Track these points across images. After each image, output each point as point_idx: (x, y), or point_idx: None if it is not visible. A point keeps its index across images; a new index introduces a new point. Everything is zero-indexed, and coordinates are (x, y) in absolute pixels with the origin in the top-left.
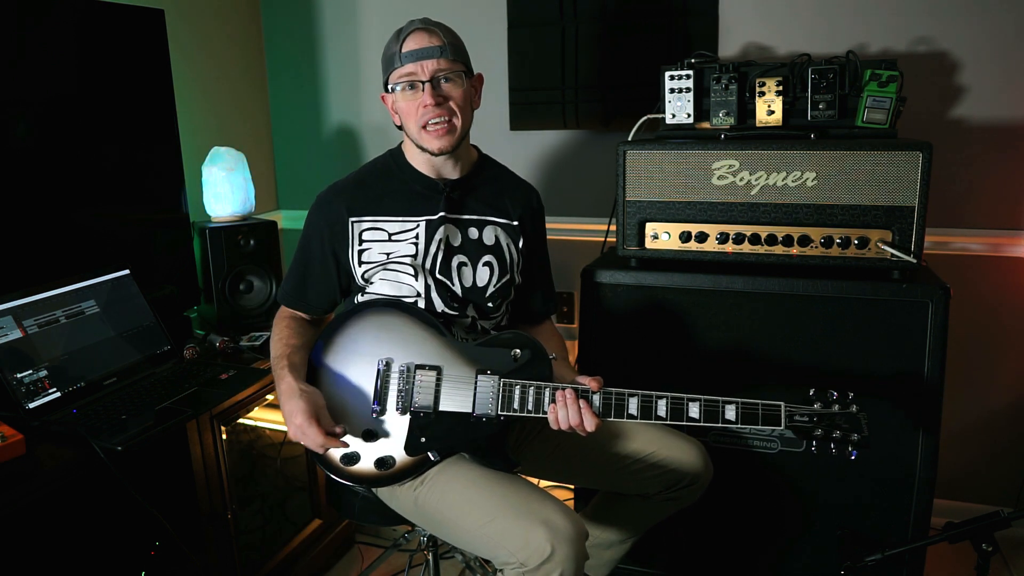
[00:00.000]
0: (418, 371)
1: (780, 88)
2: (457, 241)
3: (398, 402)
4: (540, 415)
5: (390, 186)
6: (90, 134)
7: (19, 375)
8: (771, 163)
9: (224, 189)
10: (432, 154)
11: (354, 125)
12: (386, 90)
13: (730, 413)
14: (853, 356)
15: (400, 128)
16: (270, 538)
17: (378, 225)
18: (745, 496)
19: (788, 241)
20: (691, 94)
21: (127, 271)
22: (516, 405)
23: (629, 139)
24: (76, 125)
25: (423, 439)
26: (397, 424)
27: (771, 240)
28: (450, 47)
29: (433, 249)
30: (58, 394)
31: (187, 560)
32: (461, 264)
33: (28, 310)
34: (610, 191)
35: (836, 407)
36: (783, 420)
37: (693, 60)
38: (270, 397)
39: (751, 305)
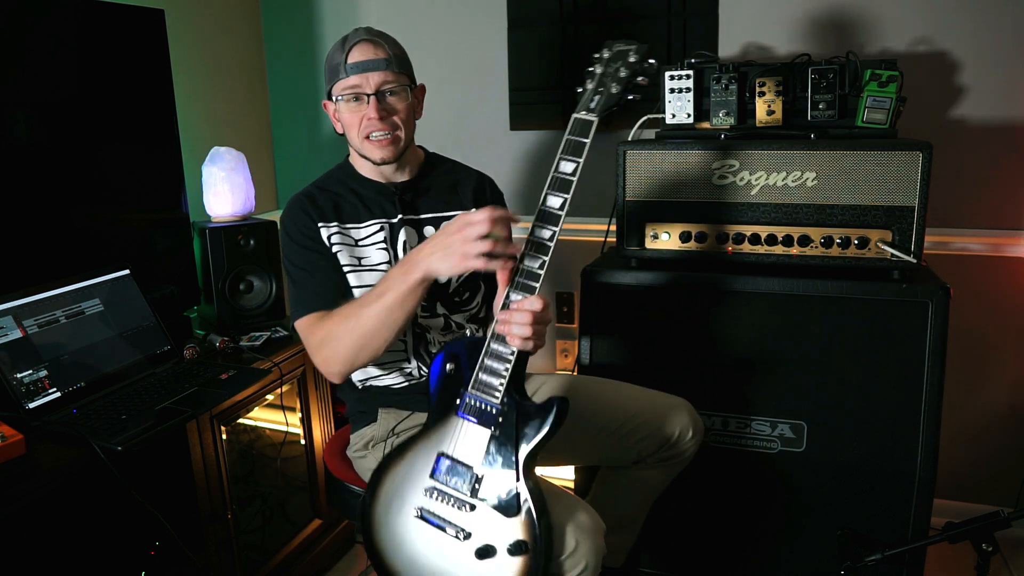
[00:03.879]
0: (436, 484)
1: (780, 88)
2: (415, 242)
3: (460, 512)
4: (512, 356)
5: (343, 194)
6: (90, 134)
7: (19, 375)
8: (771, 163)
9: (224, 189)
10: (374, 163)
11: None
12: (329, 99)
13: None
14: (853, 356)
15: (342, 136)
16: (270, 538)
17: (343, 231)
18: (745, 496)
19: (788, 241)
20: (691, 94)
21: (127, 271)
22: (495, 382)
23: (629, 139)
24: (76, 125)
25: (497, 494)
26: (483, 515)
27: (771, 240)
28: (395, 59)
29: (400, 254)
30: (58, 394)
31: (187, 560)
32: None
33: (28, 310)
34: (610, 191)
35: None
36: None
37: (693, 60)
38: (270, 397)
39: (751, 305)
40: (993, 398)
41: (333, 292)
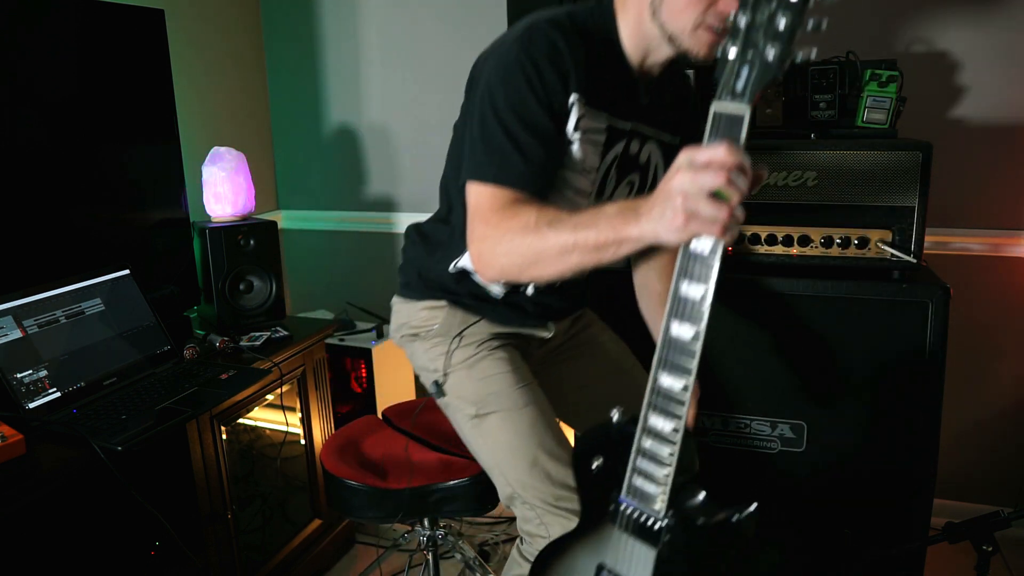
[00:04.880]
0: None
1: (780, 88)
2: (616, 156)
3: None
4: (673, 457)
5: (602, 63)
6: (90, 134)
7: (19, 375)
8: (771, 163)
9: (224, 189)
10: (689, 55)
11: (354, 125)
12: None
13: None
14: (853, 356)
15: None
16: (270, 538)
17: (589, 113)
18: (745, 496)
19: (788, 241)
20: None
21: (127, 271)
22: (654, 491)
23: None
24: (76, 125)
25: None
26: None
27: (771, 240)
28: None
29: (605, 167)
30: (58, 394)
31: (187, 560)
32: (610, 181)
33: (28, 310)
34: None
35: None
36: None
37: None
38: (270, 397)
39: (751, 305)
40: (993, 398)
41: (546, 181)
